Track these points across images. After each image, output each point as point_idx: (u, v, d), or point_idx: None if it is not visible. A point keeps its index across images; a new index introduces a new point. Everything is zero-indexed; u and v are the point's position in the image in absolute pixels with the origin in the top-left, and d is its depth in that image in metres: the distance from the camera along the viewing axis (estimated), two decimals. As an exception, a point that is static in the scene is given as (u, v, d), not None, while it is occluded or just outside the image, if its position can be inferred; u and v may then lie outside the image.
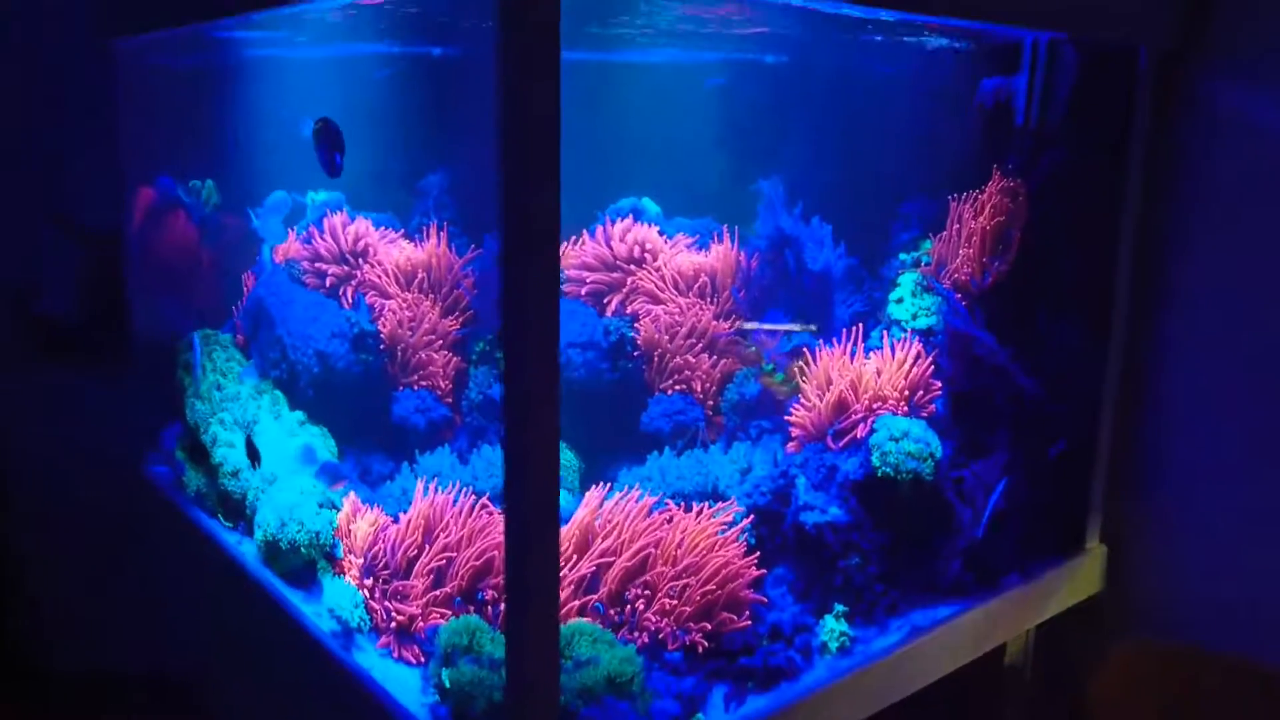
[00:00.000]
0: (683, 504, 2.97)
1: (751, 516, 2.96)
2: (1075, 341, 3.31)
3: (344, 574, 3.44)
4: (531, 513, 1.94)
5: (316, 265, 4.24)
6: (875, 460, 2.94)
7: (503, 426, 1.90)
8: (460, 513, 3.26)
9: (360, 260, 4.18)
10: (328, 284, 4.22)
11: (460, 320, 4.11)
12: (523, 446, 1.89)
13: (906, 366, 3.21)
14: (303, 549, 3.41)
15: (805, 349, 3.60)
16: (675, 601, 2.66)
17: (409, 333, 3.95)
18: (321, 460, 3.70)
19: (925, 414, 3.16)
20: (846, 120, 4.01)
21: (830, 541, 2.87)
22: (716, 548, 2.74)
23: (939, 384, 3.21)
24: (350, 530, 3.49)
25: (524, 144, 1.72)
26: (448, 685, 2.80)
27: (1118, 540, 3.35)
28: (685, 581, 2.69)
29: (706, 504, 2.98)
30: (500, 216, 1.77)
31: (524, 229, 1.76)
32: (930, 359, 3.25)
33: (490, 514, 3.28)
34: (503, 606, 2.30)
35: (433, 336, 4.00)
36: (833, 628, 2.73)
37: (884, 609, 2.84)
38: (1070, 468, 3.30)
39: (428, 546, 3.26)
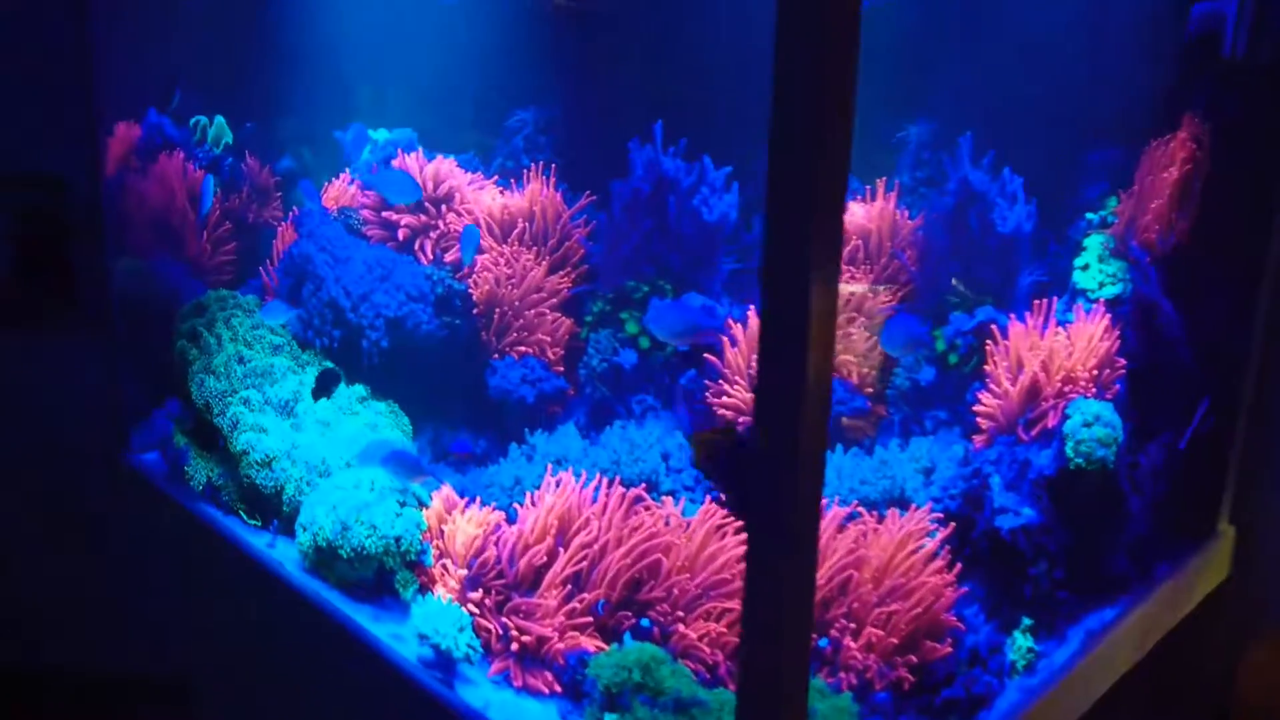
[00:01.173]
0: (874, 512, 2.66)
1: (952, 525, 2.62)
2: (1222, 309, 2.98)
3: (435, 586, 2.73)
4: (794, 534, 1.51)
5: (384, 215, 3.54)
6: (1069, 450, 2.58)
7: (764, 418, 1.48)
8: (607, 509, 2.57)
9: (442, 208, 3.47)
10: (400, 236, 3.49)
11: (572, 277, 3.42)
12: (793, 448, 1.44)
13: (1095, 341, 2.83)
14: (375, 558, 2.72)
15: (994, 326, 2.98)
16: (881, 632, 2.37)
17: (510, 291, 3.26)
18: (392, 446, 3.02)
19: (1110, 394, 2.84)
20: (1018, 51, 3.38)
21: (1024, 547, 2.57)
22: (919, 565, 2.45)
23: (1122, 360, 2.87)
24: (445, 532, 2.79)
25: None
26: (623, 737, 2.13)
27: (1248, 523, 3.06)
28: (892, 609, 2.39)
29: (895, 511, 2.64)
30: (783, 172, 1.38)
31: (812, 183, 1.37)
32: (1117, 332, 2.88)
33: (646, 508, 2.60)
34: (723, 657, 2.09)
35: (540, 295, 3.32)
36: (1020, 644, 2.49)
37: (1064, 617, 2.60)
38: (1207, 445, 3.00)
39: (560, 550, 2.57)
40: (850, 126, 1.43)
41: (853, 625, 2.38)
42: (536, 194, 3.43)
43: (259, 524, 3.01)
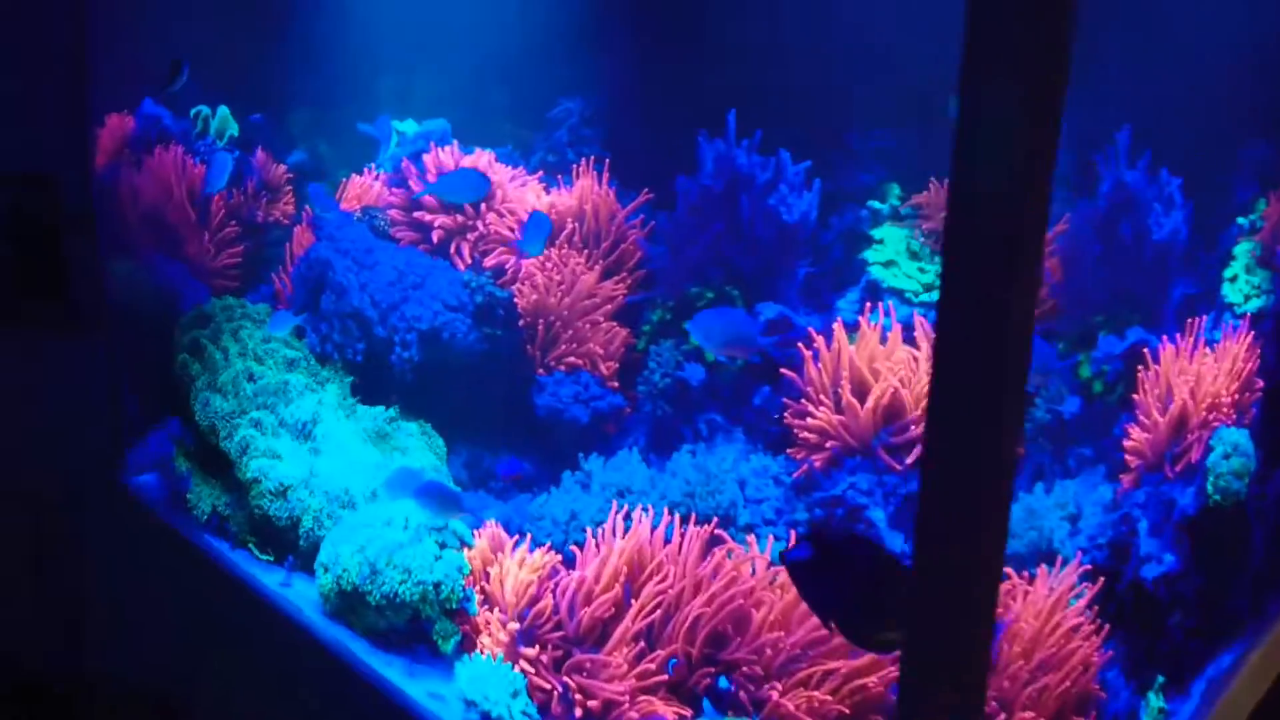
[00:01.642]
0: (1024, 572, 2.31)
1: (1101, 581, 2.28)
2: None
3: (479, 638, 2.36)
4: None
5: (415, 215, 3.18)
6: (1210, 487, 2.28)
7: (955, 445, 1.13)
8: (683, 550, 2.20)
9: (481, 207, 3.11)
10: (435, 239, 3.12)
11: (628, 283, 3.05)
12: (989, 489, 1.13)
13: (1238, 363, 2.49)
14: (409, 605, 2.35)
15: (1145, 349, 2.61)
16: (1032, 714, 2.04)
17: (559, 300, 2.89)
18: (424, 476, 2.67)
19: (1247, 419, 2.52)
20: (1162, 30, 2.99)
21: (1163, 597, 2.29)
22: (1068, 632, 2.12)
23: (1260, 381, 2.52)
24: (492, 576, 2.42)
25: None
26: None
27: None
28: (1043, 683, 2.05)
29: (1044, 570, 2.29)
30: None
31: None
32: (1258, 350, 2.56)
33: (729, 550, 2.21)
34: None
35: (593, 302, 2.95)
36: (1153, 705, 2.22)
37: (1189, 669, 2.30)
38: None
39: (629, 600, 2.19)
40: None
41: (1006, 712, 2.02)
42: (587, 191, 3.07)
43: (271, 559, 2.65)
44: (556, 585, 2.26)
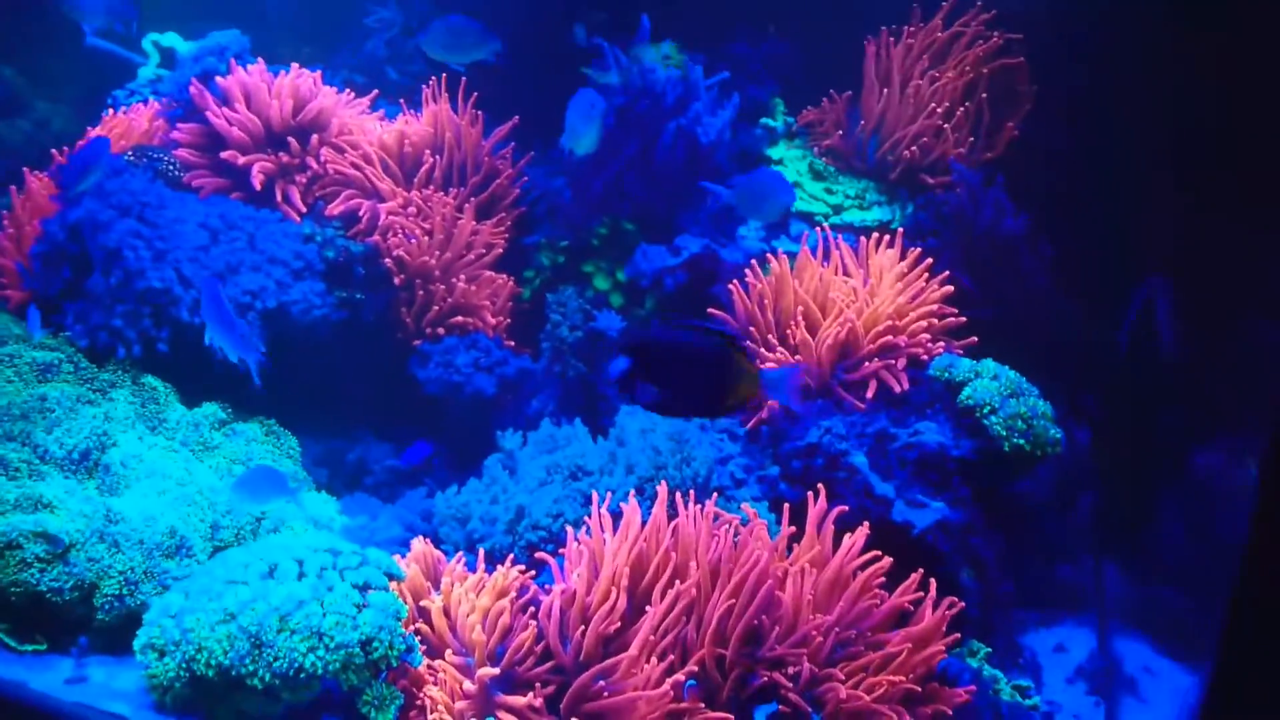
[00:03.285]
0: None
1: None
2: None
3: (426, 693, 1.84)
4: None
5: (221, 155, 2.45)
6: (1001, 430, 2.18)
7: None
8: (694, 538, 1.81)
9: (312, 140, 2.44)
10: (256, 184, 2.40)
11: (508, 224, 2.54)
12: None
13: (914, 284, 2.36)
14: (321, 678, 1.77)
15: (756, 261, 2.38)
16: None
17: (436, 252, 2.32)
18: (298, 494, 2.09)
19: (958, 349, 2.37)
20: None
21: (945, 549, 2.19)
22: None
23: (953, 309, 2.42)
24: (433, 612, 1.90)
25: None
26: None
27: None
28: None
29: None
30: None
31: None
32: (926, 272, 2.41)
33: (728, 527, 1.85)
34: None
35: (476, 251, 2.42)
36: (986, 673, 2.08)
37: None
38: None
39: (645, 608, 1.79)
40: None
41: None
42: (444, 118, 2.51)
43: (43, 648, 1.91)
44: (540, 609, 1.82)
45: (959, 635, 1.86)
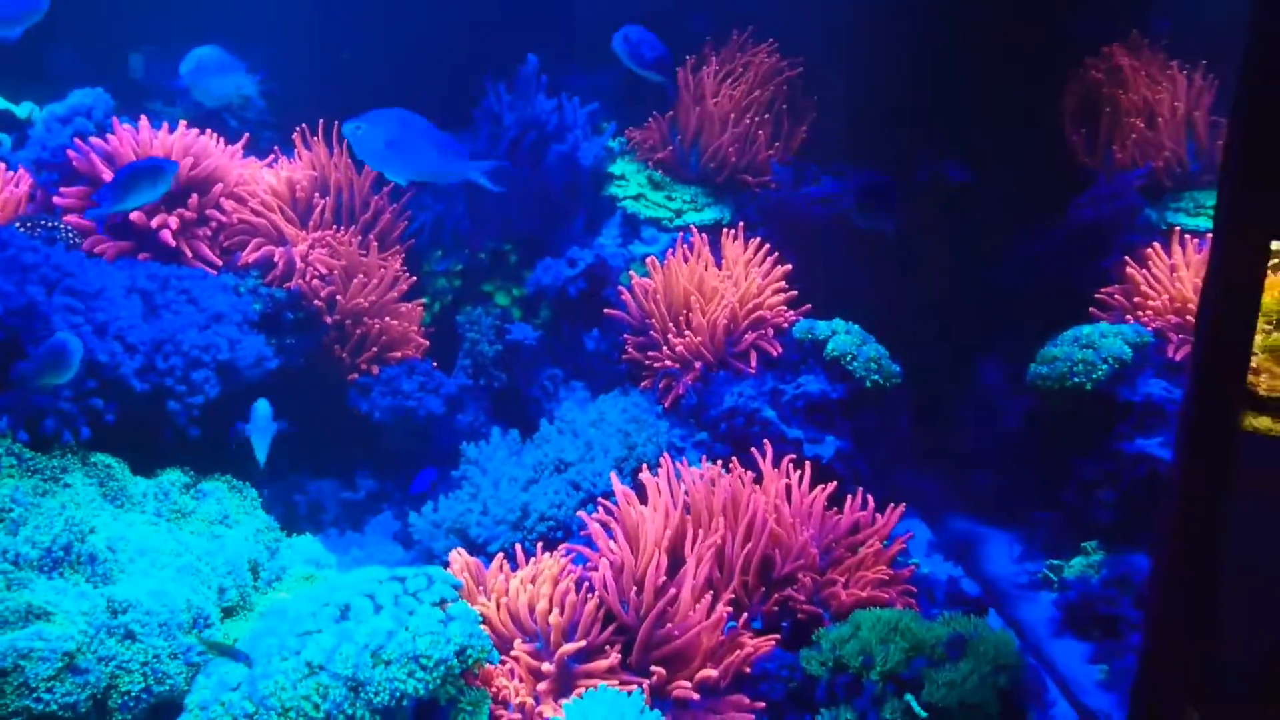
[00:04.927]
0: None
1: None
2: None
3: (496, 687, 2.01)
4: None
5: (130, 216, 2.28)
6: (860, 371, 2.68)
7: None
8: (711, 495, 2.15)
9: (214, 193, 2.36)
10: (170, 241, 2.32)
11: (401, 255, 2.64)
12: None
13: (763, 266, 2.87)
14: (419, 698, 1.84)
15: (653, 260, 2.78)
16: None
17: (365, 292, 2.37)
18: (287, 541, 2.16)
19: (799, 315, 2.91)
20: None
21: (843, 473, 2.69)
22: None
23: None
24: (488, 612, 2.06)
25: None
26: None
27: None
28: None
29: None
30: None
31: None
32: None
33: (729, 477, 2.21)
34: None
35: (401, 289, 2.50)
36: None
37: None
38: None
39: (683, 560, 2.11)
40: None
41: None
42: (324, 159, 2.58)
43: None
44: (586, 584, 2.09)
45: (912, 534, 2.39)
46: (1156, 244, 2.80)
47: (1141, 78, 3.11)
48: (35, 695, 1.74)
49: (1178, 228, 2.85)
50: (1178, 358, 2.63)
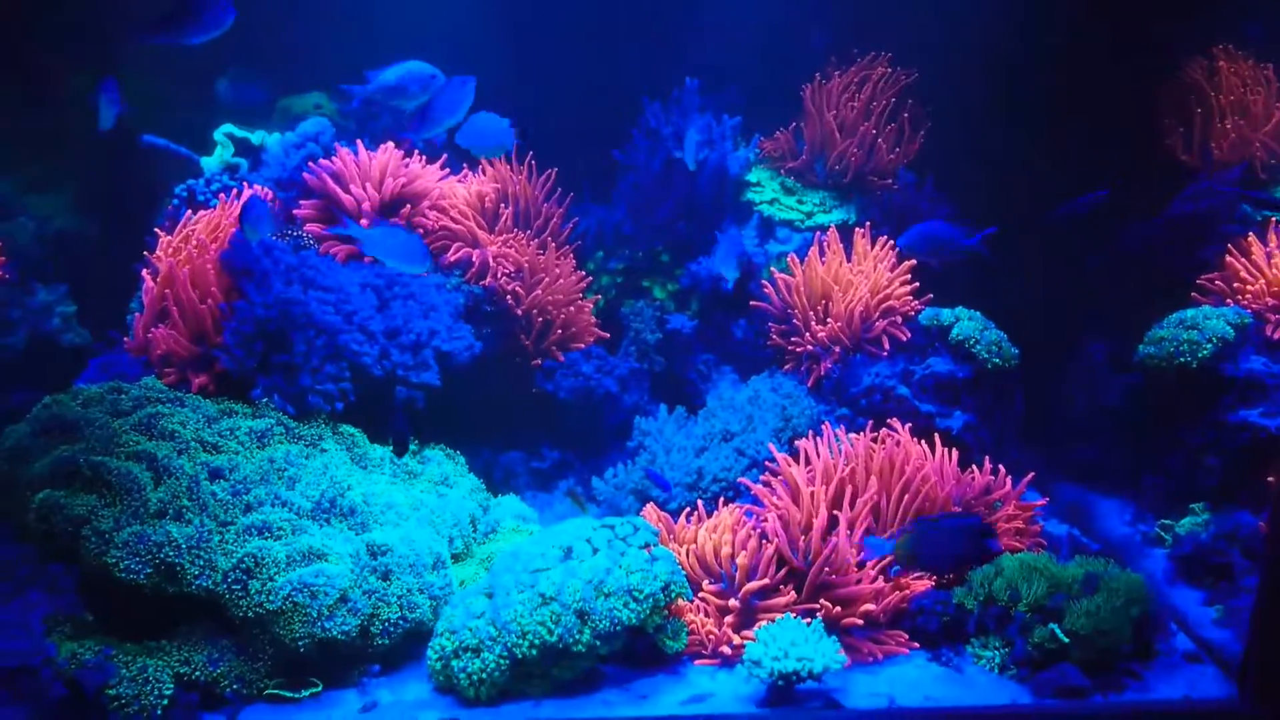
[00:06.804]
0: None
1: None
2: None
3: (687, 620, 2.35)
4: None
5: (337, 227, 2.68)
6: (983, 354, 2.97)
7: None
8: (871, 458, 2.48)
9: (422, 204, 2.78)
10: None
11: (570, 255, 3.03)
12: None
13: (889, 262, 3.16)
14: (631, 626, 2.18)
15: (792, 258, 3.16)
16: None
17: (546, 289, 2.77)
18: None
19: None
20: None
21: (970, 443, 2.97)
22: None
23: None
24: (679, 557, 2.39)
25: None
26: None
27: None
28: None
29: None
30: None
31: None
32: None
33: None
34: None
35: (573, 282, 2.89)
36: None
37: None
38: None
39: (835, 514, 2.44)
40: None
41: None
42: (505, 173, 2.97)
43: (318, 689, 2.12)
44: (759, 532, 2.41)
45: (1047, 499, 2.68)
46: (1253, 234, 3.07)
47: (1235, 80, 3.38)
48: (319, 624, 2.11)
49: (1274, 219, 3.12)
50: (1276, 336, 2.90)
